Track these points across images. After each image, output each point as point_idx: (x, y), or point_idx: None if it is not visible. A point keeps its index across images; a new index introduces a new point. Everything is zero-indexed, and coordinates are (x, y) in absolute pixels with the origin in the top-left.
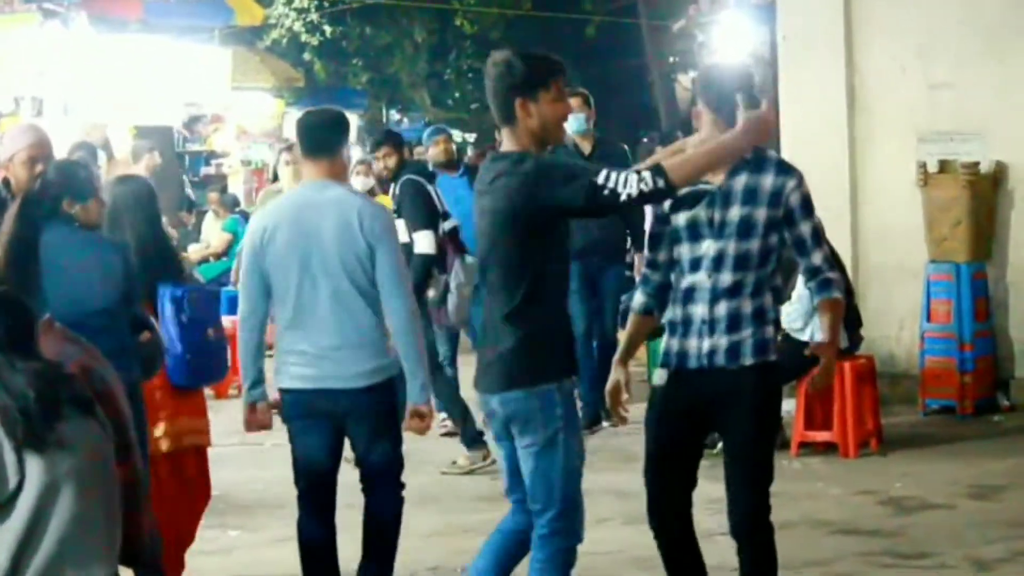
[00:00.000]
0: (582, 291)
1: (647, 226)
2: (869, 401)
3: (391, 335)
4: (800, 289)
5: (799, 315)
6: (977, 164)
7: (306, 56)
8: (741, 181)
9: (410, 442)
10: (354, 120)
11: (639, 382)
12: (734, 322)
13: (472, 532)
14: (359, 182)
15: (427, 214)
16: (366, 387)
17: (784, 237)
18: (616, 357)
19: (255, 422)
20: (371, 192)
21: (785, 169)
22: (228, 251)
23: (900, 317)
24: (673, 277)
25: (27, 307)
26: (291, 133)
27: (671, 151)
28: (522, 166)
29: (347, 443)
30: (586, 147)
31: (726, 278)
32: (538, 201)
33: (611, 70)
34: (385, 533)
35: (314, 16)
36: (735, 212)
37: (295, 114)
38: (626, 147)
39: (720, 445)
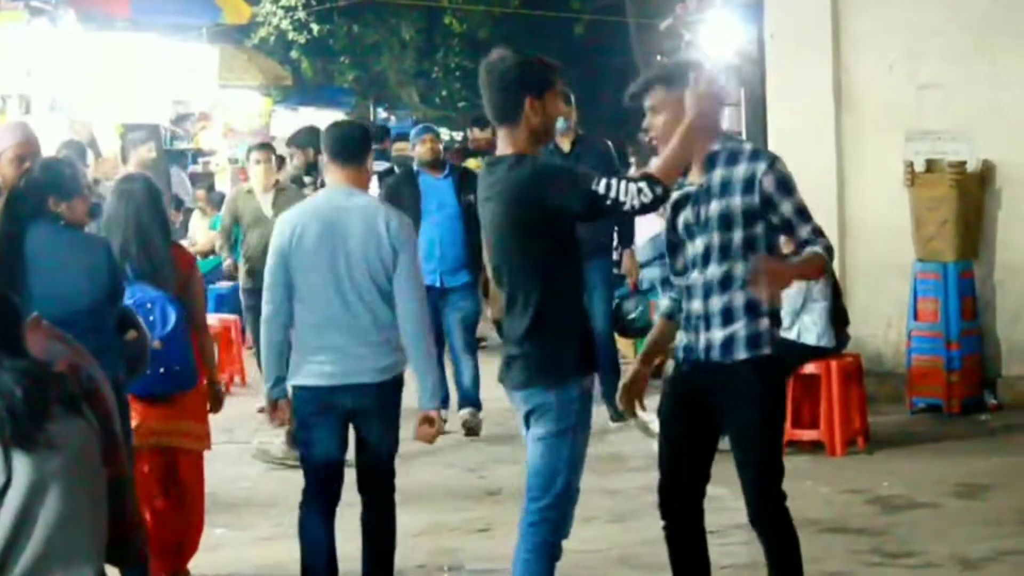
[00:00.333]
0: None
1: (653, 229)
2: (856, 400)
3: (401, 334)
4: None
5: (785, 314)
6: (964, 163)
7: (293, 54)
8: (718, 175)
9: None
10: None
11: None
12: (727, 315)
13: (458, 531)
14: None
15: None
16: (382, 382)
17: (772, 223)
18: (640, 355)
19: (278, 418)
20: None
21: (756, 156)
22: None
23: (887, 316)
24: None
25: (13, 304)
26: (278, 130)
27: None
28: (521, 169)
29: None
30: (565, 145)
31: (714, 271)
32: (540, 203)
33: (598, 68)
34: (388, 530)
35: (301, 14)
36: (714, 206)
37: (282, 112)
38: (610, 144)
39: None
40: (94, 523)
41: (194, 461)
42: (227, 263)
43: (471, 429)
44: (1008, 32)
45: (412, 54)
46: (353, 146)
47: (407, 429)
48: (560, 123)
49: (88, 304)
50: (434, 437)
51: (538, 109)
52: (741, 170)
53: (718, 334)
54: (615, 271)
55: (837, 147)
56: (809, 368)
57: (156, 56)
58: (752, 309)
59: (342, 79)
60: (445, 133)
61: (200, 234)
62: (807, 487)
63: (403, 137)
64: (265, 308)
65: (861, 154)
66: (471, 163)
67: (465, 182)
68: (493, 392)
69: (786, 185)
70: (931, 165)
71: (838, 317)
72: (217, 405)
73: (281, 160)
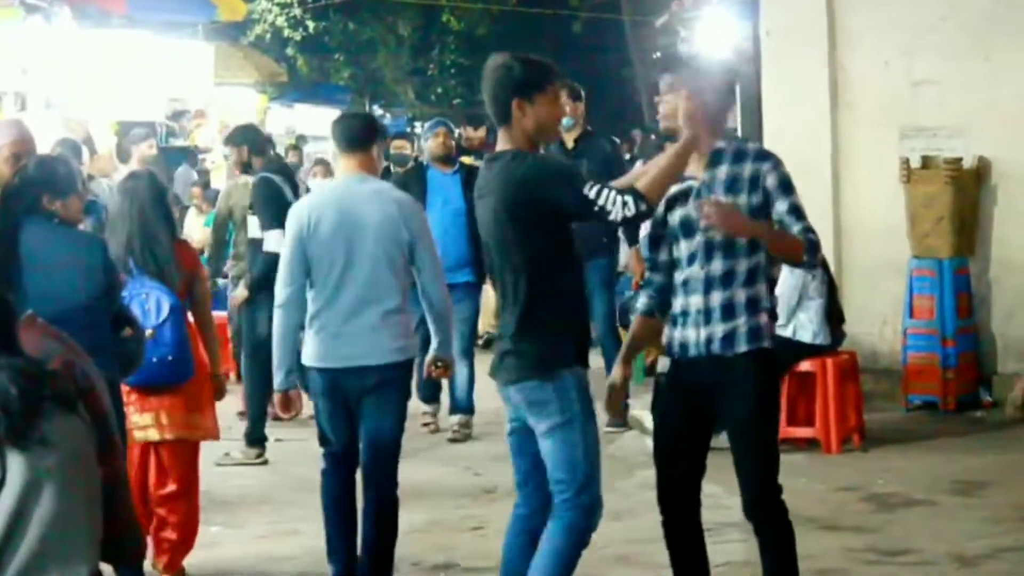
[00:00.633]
0: None
1: (643, 228)
2: (852, 397)
3: (426, 311)
4: (780, 287)
5: (780, 311)
6: (960, 160)
7: (289, 51)
8: (723, 171)
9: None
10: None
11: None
12: (728, 311)
13: (454, 529)
14: (318, 183)
15: (278, 213)
16: (390, 363)
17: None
18: (619, 355)
19: (286, 405)
20: None
21: (762, 155)
22: None
23: (883, 313)
24: (675, 274)
25: (6, 302)
26: (273, 127)
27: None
28: (517, 165)
29: None
30: (569, 141)
31: (717, 267)
32: (534, 200)
33: (595, 65)
34: (391, 518)
35: (297, 11)
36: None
37: (278, 109)
38: (616, 141)
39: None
40: (89, 522)
41: (191, 453)
42: (236, 296)
43: (458, 439)
44: (1004, 29)
45: (408, 51)
46: (359, 133)
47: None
48: (565, 120)
49: (83, 301)
50: (445, 376)
51: (527, 111)
52: (747, 169)
53: (719, 328)
54: (618, 269)
55: (832, 144)
56: (805, 366)
57: (152, 53)
58: (752, 305)
59: (338, 76)
60: None
61: (196, 231)
62: (802, 484)
63: (400, 135)
64: (282, 292)
65: (856, 151)
66: (464, 160)
67: (473, 180)
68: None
69: (786, 185)
70: (927, 162)
71: (834, 314)
72: (220, 395)
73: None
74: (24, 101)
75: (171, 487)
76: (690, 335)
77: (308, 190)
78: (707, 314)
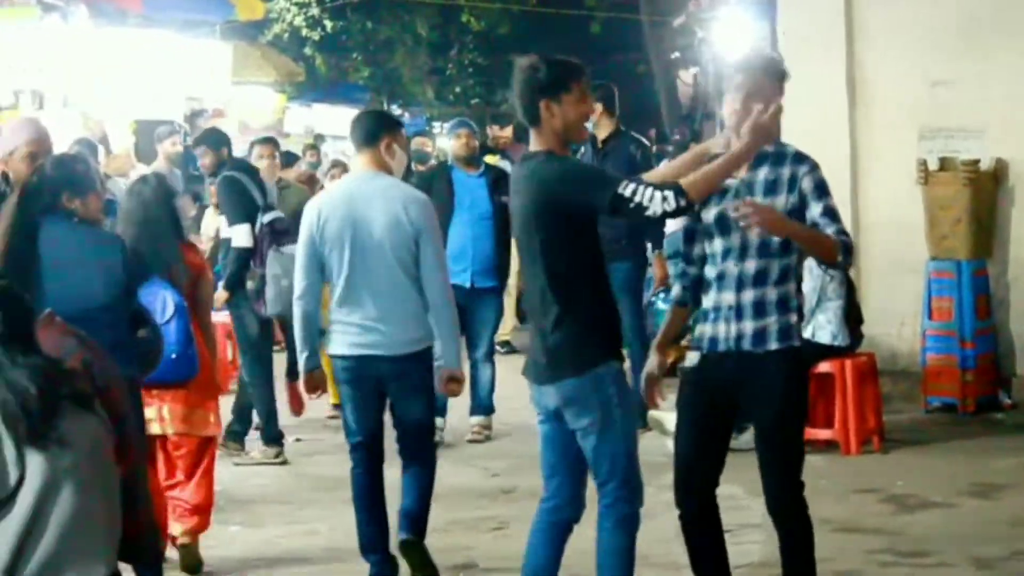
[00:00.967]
0: None
1: (675, 225)
2: (871, 399)
3: (430, 307)
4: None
5: None
6: (978, 161)
7: (307, 51)
8: (762, 173)
9: None
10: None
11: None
12: (760, 309)
13: (473, 529)
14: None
15: (243, 209)
16: (410, 354)
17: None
18: (654, 343)
19: (312, 385)
20: None
21: (800, 159)
22: None
23: (901, 314)
24: (707, 269)
25: (26, 301)
26: (291, 127)
27: (696, 155)
28: (551, 165)
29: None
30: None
31: (751, 265)
32: (567, 199)
33: (613, 65)
34: (427, 490)
35: (315, 11)
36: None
37: (296, 109)
38: (644, 142)
39: (741, 437)
40: (107, 521)
41: (196, 446)
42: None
43: (479, 440)
44: (1022, 30)
45: (426, 50)
46: (368, 130)
47: None
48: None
49: (103, 300)
50: (458, 392)
51: (555, 111)
52: (786, 171)
53: (750, 325)
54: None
55: (851, 144)
56: (824, 367)
57: (169, 52)
58: (783, 303)
59: (356, 76)
60: None
61: (212, 229)
62: (821, 486)
63: (419, 133)
64: (298, 286)
65: (875, 151)
66: (489, 159)
67: (499, 182)
68: (507, 392)
69: (822, 189)
70: (944, 163)
71: (852, 315)
72: (221, 390)
73: (291, 157)
74: (42, 100)
75: (179, 476)
76: (720, 330)
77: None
78: (739, 311)
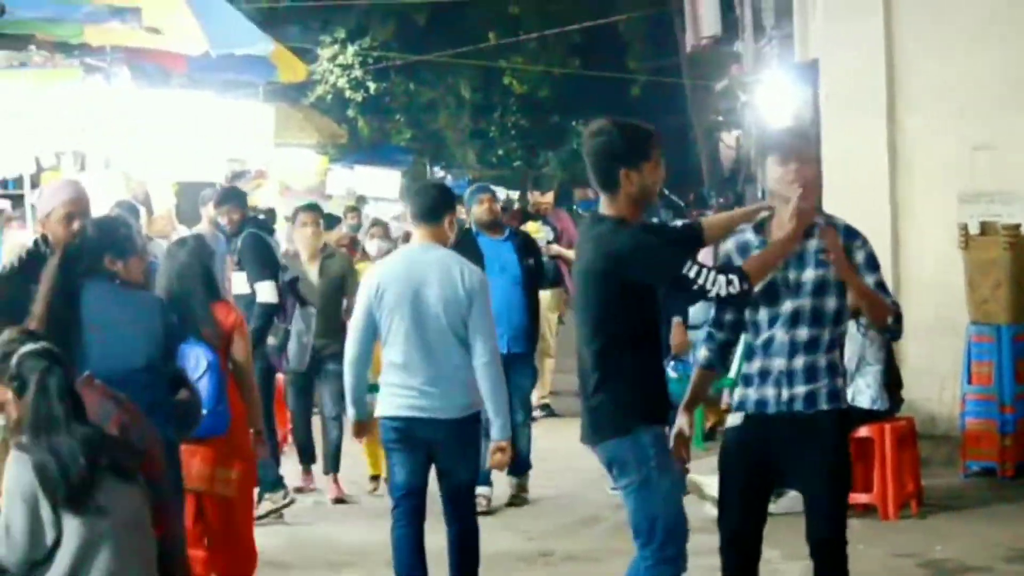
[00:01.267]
0: None
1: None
2: (909, 463)
3: (478, 374)
4: None
5: None
6: (1019, 226)
7: (350, 112)
8: (813, 244)
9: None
10: (397, 177)
11: None
12: (811, 374)
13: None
14: (374, 245)
15: (268, 265)
16: (461, 418)
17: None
18: (682, 405)
19: (363, 432)
20: (387, 253)
21: (852, 233)
22: None
23: (941, 377)
24: (749, 334)
25: (70, 372)
26: (333, 188)
27: (744, 215)
28: (620, 236)
29: None
30: None
31: (803, 333)
32: (631, 272)
33: (655, 127)
34: (473, 549)
35: (358, 72)
36: (809, 273)
37: (338, 170)
38: (679, 204)
39: (780, 501)
40: None
41: (224, 504)
42: None
43: (517, 504)
44: None
45: (469, 112)
46: (434, 206)
47: None
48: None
49: (143, 362)
50: (506, 464)
51: (634, 179)
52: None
53: (801, 389)
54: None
55: (891, 206)
56: (863, 431)
57: (212, 114)
58: (832, 368)
59: (399, 137)
60: (502, 192)
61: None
62: (860, 551)
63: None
64: (351, 351)
65: (915, 214)
66: (530, 226)
67: (528, 246)
68: (545, 455)
69: (872, 262)
70: (985, 227)
71: (892, 380)
72: (261, 450)
73: (333, 220)
74: (83, 161)
75: (210, 532)
76: (770, 393)
77: (364, 251)
78: (790, 376)
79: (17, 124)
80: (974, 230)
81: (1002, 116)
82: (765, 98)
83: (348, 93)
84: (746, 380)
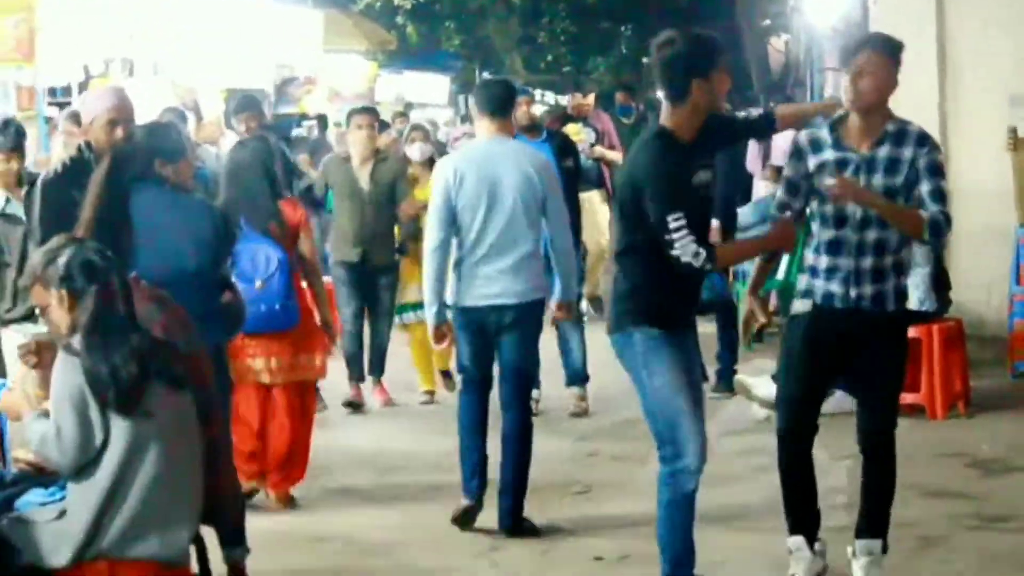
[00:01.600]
0: None
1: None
2: (957, 364)
3: (553, 258)
4: None
5: None
6: None
7: (399, 19)
8: (884, 151)
9: None
10: (446, 82)
11: None
12: (878, 274)
13: (558, 493)
14: (416, 149)
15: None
16: (529, 302)
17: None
18: (747, 289)
19: (441, 339)
20: (431, 159)
21: (922, 140)
22: None
23: (989, 280)
24: (815, 227)
25: (127, 278)
26: (382, 95)
27: (821, 108)
28: (649, 153)
29: None
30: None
31: (871, 235)
32: (637, 190)
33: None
34: (527, 440)
35: None
36: (879, 180)
37: (388, 77)
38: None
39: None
40: (190, 488)
41: (302, 393)
42: None
43: (578, 413)
44: None
45: (518, 19)
46: (500, 101)
47: None
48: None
49: (194, 266)
50: (568, 318)
51: (705, 89)
52: (908, 152)
53: (868, 288)
54: None
55: (940, 110)
56: (911, 332)
57: (260, 20)
58: (899, 268)
59: (447, 44)
60: (551, 98)
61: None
62: (907, 450)
63: None
64: (432, 239)
65: (965, 118)
66: (570, 128)
67: (565, 148)
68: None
69: (934, 169)
70: None
71: (940, 281)
72: (331, 341)
73: (382, 125)
74: (132, 67)
75: (283, 421)
76: (836, 290)
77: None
78: (857, 275)
79: (66, 32)
80: (1023, 133)
81: None
82: (814, 2)
83: (397, 0)
84: (813, 272)
